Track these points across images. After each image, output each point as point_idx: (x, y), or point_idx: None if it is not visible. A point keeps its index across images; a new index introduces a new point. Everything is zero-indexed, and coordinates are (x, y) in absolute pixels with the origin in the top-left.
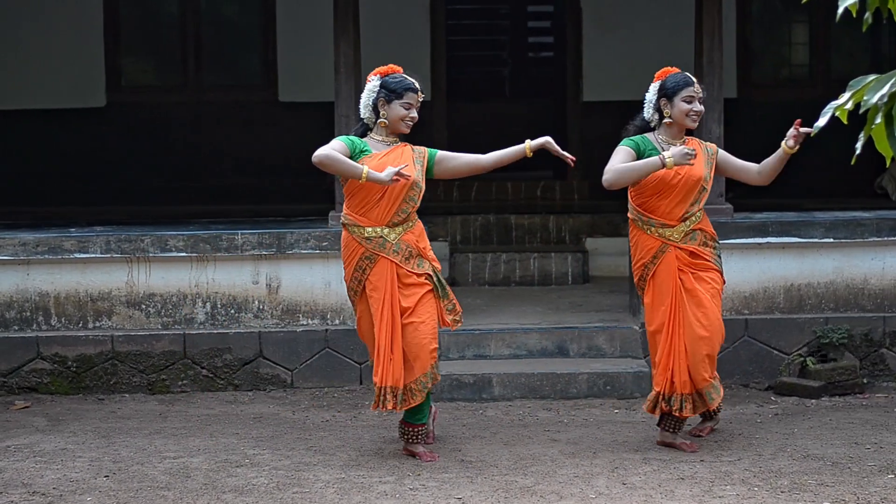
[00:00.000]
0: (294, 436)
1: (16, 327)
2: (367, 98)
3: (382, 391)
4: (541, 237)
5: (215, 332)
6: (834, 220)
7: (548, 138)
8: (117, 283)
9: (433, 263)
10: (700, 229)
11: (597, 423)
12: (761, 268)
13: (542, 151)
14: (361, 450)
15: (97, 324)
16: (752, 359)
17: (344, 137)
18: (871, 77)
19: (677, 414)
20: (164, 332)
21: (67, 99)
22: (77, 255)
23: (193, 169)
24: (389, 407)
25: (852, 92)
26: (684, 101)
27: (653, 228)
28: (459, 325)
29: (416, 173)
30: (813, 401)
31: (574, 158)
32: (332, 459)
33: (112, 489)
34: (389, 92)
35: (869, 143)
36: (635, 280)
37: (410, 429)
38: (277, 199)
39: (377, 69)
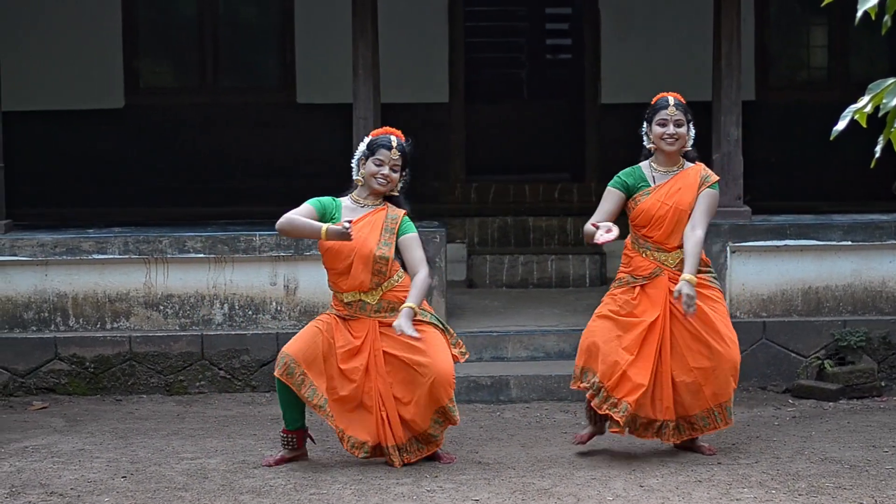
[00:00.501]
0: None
1: (34, 328)
2: (355, 157)
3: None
4: (558, 239)
5: (233, 333)
6: (852, 222)
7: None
8: (135, 284)
9: (428, 310)
10: None
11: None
12: (779, 270)
13: (558, 153)
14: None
15: (115, 325)
16: (769, 361)
17: (314, 200)
18: (891, 80)
19: (619, 428)
20: (182, 334)
21: (85, 101)
22: (95, 256)
23: (211, 170)
24: (397, 464)
25: (871, 95)
26: (658, 124)
27: (648, 252)
28: (467, 356)
29: (381, 245)
30: (831, 404)
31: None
32: (350, 461)
33: (129, 490)
34: (367, 149)
35: (888, 146)
36: (615, 279)
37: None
38: (295, 200)
39: (376, 131)
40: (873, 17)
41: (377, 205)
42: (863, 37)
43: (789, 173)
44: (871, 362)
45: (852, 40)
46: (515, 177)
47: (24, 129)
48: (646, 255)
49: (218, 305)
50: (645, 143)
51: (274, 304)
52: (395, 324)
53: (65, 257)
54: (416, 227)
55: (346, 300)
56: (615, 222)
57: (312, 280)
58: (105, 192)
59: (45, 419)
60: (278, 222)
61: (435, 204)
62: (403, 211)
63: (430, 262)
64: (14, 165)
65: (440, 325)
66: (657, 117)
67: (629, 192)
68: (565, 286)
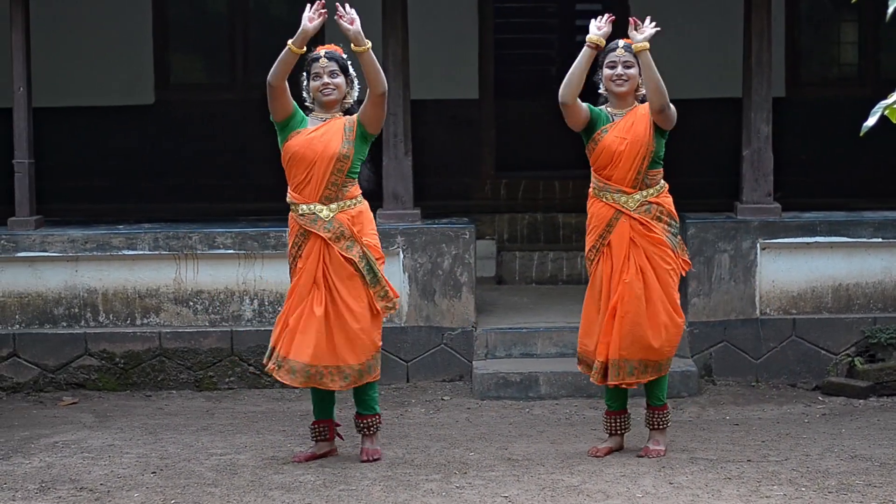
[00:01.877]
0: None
1: (64, 324)
2: (303, 86)
3: (318, 370)
4: None
5: (262, 329)
6: (883, 219)
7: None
8: (165, 280)
9: (367, 249)
10: (657, 203)
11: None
12: (809, 267)
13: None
14: (408, 447)
15: (145, 320)
16: (799, 359)
17: (296, 105)
18: None
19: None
20: (212, 329)
21: (116, 96)
22: (125, 252)
23: (241, 166)
24: (295, 383)
25: None
26: (607, 66)
27: (608, 195)
28: (392, 311)
29: (343, 145)
30: (861, 401)
31: None
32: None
33: (159, 485)
34: (305, 72)
35: None
36: (586, 251)
37: (360, 420)
38: None
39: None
40: None
41: (335, 115)
42: (894, 34)
43: (819, 170)
44: None
45: (883, 37)
46: (545, 173)
47: (54, 125)
48: (605, 198)
49: (248, 301)
50: (599, 89)
51: None
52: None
53: (95, 253)
54: (445, 224)
55: (300, 211)
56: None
57: None
58: (135, 188)
59: (74, 415)
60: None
61: (465, 200)
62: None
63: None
64: (44, 161)
65: (366, 275)
66: (607, 59)
67: (592, 120)
68: None
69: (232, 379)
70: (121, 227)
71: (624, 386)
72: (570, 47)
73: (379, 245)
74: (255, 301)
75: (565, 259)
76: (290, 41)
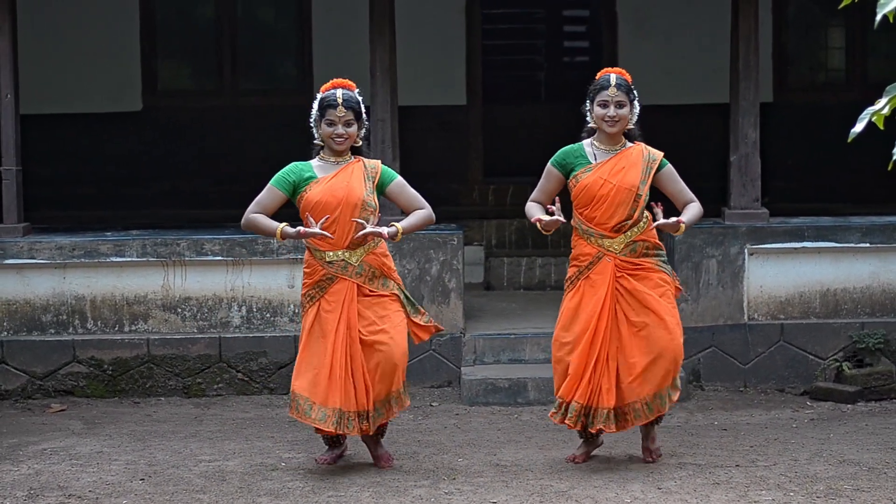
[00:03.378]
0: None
1: (52, 330)
2: (312, 119)
3: (345, 416)
4: None
5: (251, 335)
6: (870, 224)
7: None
8: (153, 287)
9: (397, 282)
10: (642, 240)
11: (632, 427)
12: (797, 272)
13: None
14: (397, 453)
15: (133, 327)
16: (787, 364)
17: (277, 179)
18: None
19: (600, 428)
20: (200, 336)
21: (104, 103)
22: (113, 259)
23: (229, 173)
24: (354, 432)
25: (889, 97)
26: (599, 105)
27: (592, 238)
28: (437, 331)
29: (367, 193)
30: (849, 406)
31: None
32: (368, 463)
33: (147, 492)
34: (318, 110)
35: None
36: (566, 280)
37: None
38: None
39: (324, 85)
40: (892, 21)
41: (349, 160)
42: (881, 39)
43: (807, 175)
44: (890, 364)
45: (870, 42)
46: (533, 178)
47: (42, 132)
48: (590, 241)
49: (235, 308)
50: (587, 121)
51: (291, 306)
52: (370, 222)
53: (83, 260)
54: (433, 230)
55: (327, 259)
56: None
57: None
58: (123, 195)
59: (63, 422)
60: (242, 221)
61: (453, 206)
62: (379, 161)
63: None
64: (32, 168)
65: (403, 301)
66: (598, 98)
67: (566, 170)
68: None
69: (220, 385)
70: (109, 233)
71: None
72: (557, 53)
73: (400, 280)
74: (244, 308)
75: (553, 265)
76: (280, 229)
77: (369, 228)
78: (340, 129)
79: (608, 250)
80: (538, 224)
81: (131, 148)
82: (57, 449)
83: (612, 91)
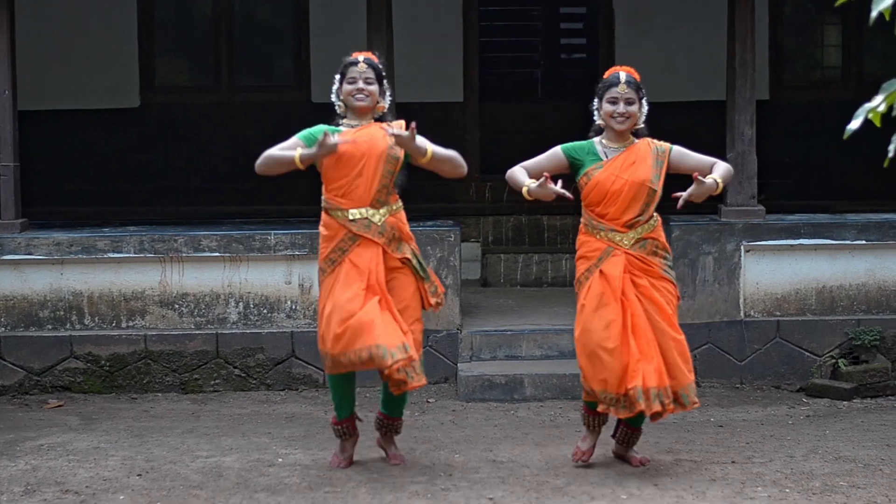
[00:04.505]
0: (326, 435)
1: (49, 326)
2: (334, 90)
3: (384, 350)
4: (573, 238)
5: (248, 331)
6: (866, 221)
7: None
8: (150, 283)
9: (412, 245)
10: (652, 238)
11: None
12: (793, 269)
13: None
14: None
15: (130, 323)
16: (783, 360)
17: (303, 133)
18: None
19: (647, 411)
20: (197, 332)
21: (101, 100)
22: (111, 255)
23: (226, 169)
24: (397, 368)
25: (885, 94)
26: (608, 102)
27: (602, 233)
28: (441, 307)
29: (390, 146)
30: (845, 402)
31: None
32: (364, 459)
33: (145, 488)
34: (340, 76)
35: None
36: (575, 280)
37: (390, 422)
38: (310, 199)
39: None
40: (888, 18)
41: (369, 122)
42: (877, 36)
43: (803, 172)
44: (885, 361)
45: (866, 40)
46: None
47: (39, 128)
48: (599, 236)
49: (233, 304)
50: (595, 119)
51: (289, 302)
52: (395, 131)
53: (80, 256)
54: (430, 226)
55: (351, 216)
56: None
57: None
58: (120, 191)
59: (60, 417)
60: (258, 161)
61: (449, 203)
62: (402, 121)
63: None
64: (30, 164)
65: (415, 268)
66: (608, 95)
67: (576, 163)
68: None
69: (217, 381)
70: (106, 229)
71: (664, 413)
72: (554, 50)
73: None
74: (241, 304)
75: (550, 261)
76: (299, 154)
77: (405, 132)
78: (361, 84)
79: (618, 245)
80: (524, 189)
81: (129, 144)
82: (54, 444)
83: (621, 88)
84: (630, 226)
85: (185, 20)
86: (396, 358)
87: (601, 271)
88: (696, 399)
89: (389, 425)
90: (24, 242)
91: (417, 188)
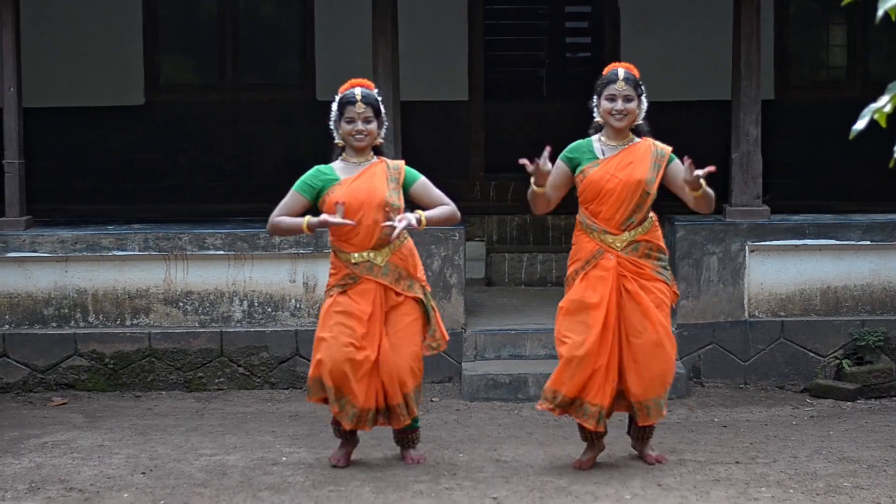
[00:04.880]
0: (330, 434)
1: (54, 324)
2: (332, 120)
3: (365, 413)
4: None
5: (252, 330)
6: (871, 222)
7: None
8: (155, 281)
9: (423, 284)
10: (645, 240)
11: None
12: (798, 270)
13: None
14: (397, 448)
15: (135, 321)
16: (787, 361)
17: (299, 184)
18: None
19: (587, 425)
20: (202, 330)
21: (106, 97)
22: (115, 253)
23: (231, 167)
24: (368, 428)
25: (891, 95)
26: (606, 99)
27: (595, 233)
28: (437, 351)
29: (391, 193)
30: (849, 403)
31: None
32: (368, 458)
33: (149, 486)
34: (337, 110)
35: None
36: (566, 277)
37: (404, 436)
38: None
39: (341, 87)
40: (893, 18)
41: (371, 160)
42: (882, 36)
43: (808, 173)
44: (890, 362)
45: (872, 40)
46: None
47: (44, 125)
48: (592, 236)
49: (237, 302)
50: (595, 117)
51: (293, 301)
52: (397, 219)
53: (85, 254)
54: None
55: (353, 261)
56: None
57: None
58: (125, 189)
59: (64, 415)
60: (268, 226)
61: (454, 202)
62: (402, 161)
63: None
64: (34, 162)
65: (425, 309)
66: (606, 91)
67: (573, 165)
68: None
69: (221, 380)
70: (111, 227)
71: (649, 424)
72: (559, 49)
73: (425, 278)
74: (245, 302)
75: (554, 261)
76: (305, 222)
77: (398, 228)
78: (360, 126)
79: (610, 247)
80: (531, 189)
81: (133, 142)
82: (58, 442)
83: (619, 85)
84: (623, 227)
85: (190, 18)
86: (353, 424)
87: (587, 275)
88: (664, 412)
89: (404, 439)
90: (29, 240)
91: None
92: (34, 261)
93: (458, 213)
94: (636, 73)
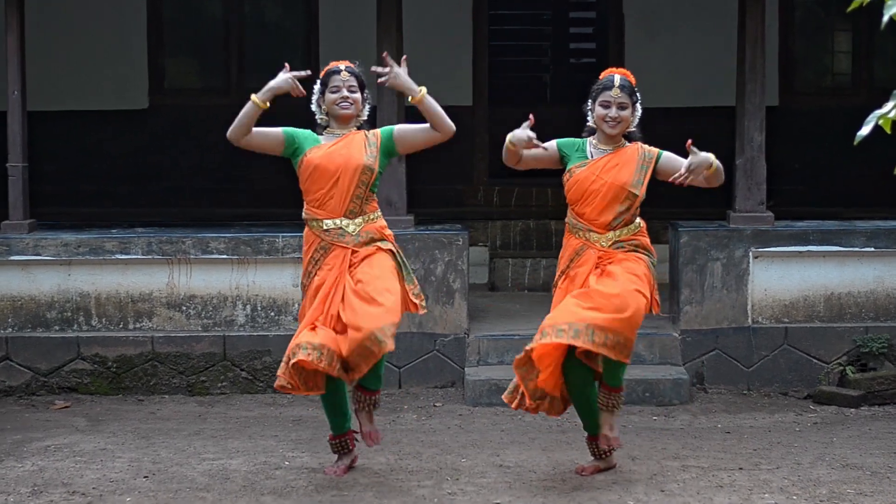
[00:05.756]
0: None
1: (57, 327)
2: (314, 100)
3: (324, 350)
4: None
5: (255, 334)
6: (875, 228)
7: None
8: (158, 285)
9: (393, 244)
10: (630, 240)
11: (635, 429)
12: (801, 276)
13: None
14: (400, 453)
15: (138, 325)
16: (791, 367)
17: (286, 128)
18: None
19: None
20: (205, 334)
21: (110, 101)
22: (118, 257)
23: (235, 171)
24: (336, 374)
25: None
26: (601, 105)
27: (581, 232)
28: (424, 311)
29: (367, 157)
30: (852, 410)
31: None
32: (371, 462)
33: (151, 490)
34: (321, 85)
35: None
36: (554, 281)
37: (367, 396)
38: None
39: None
40: None
41: (351, 130)
42: (887, 42)
43: (813, 179)
44: (893, 369)
45: (877, 46)
46: (538, 180)
47: (48, 128)
48: (578, 235)
49: (240, 306)
50: (588, 120)
51: (296, 305)
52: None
53: (88, 257)
54: (438, 230)
55: (324, 227)
56: (654, 234)
57: None
58: (128, 193)
59: (67, 418)
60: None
61: (458, 207)
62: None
63: None
64: (38, 165)
65: (402, 267)
66: (601, 98)
67: (564, 158)
68: None
69: (224, 384)
70: (114, 231)
71: (593, 350)
72: (563, 55)
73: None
74: (248, 306)
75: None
76: (254, 95)
77: (386, 72)
78: (345, 92)
79: (594, 244)
80: (508, 138)
81: (137, 145)
82: (61, 446)
83: (615, 92)
84: (609, 227)
85: (195, 22)
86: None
87: (569, 276)
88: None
89: (366, 400)
90: (32, 243)
91: (425, 192)
92: (37, 264)
93: (453, 125)
94: (632, 79)
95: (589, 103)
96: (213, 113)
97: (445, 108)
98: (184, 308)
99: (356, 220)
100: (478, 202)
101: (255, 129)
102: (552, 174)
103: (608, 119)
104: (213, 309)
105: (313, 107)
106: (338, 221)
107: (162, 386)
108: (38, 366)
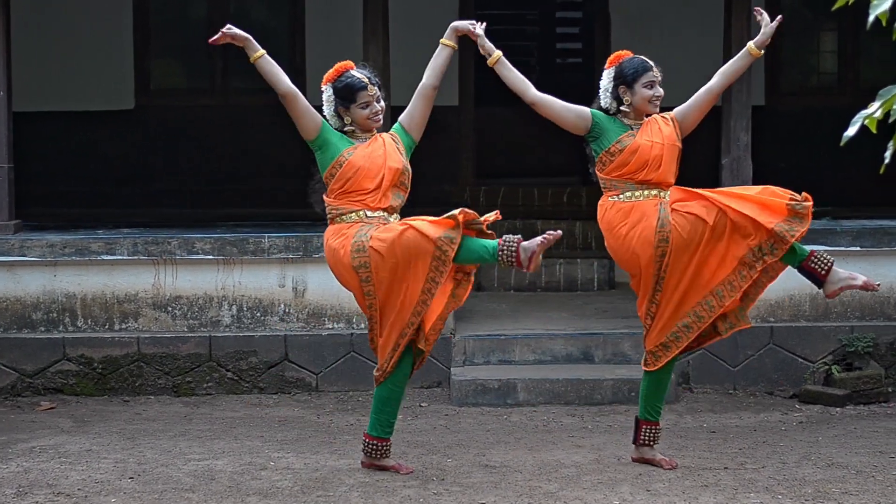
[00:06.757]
0: (319, 439)
1: (42, 328)
2: (328, 108)
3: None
4: (567, 243)
5: (241, 335)
6: (861, 228)
7: (466, 26)
8: (144, 286)
9: None
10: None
11: (621, 429)
12: (787, 275)
13: (567, 157)
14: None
15: (123, 326)
16: (777, 366)
17: (323, 118)
18: None
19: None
20: (190, 335)
21: (96, 101)
22: (104, 257)
23: (221, 172)
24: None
25: (882, 101)
26: (645, 87)
27: (646, 191)
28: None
29: (404, 160)
30: (838, 409)
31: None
32: (357, 463)
33: (136, 491)
34: (342, 99)
35: None
36: (650, 258)
37: (376, 443)
38: (304, 202)
39: (326, 75)
40: (884, 23)
41: (374, 134)
42: (873, 42)
43: (799, 179)
44: (879, 368)
45: (863, 46)
46: (524, 180)
47: (34, 129)
48: (649, 198)
49: (226, 307)
50: (609, 104)
51: (282, 305)
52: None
53: (74, 258)
54: None
55: (368, 215)
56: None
57: (321, 282)
58: (114, 194)
59: (52, 420)
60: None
61: (444, 207)
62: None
63: None
64: (24, 166)
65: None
66: (643, 79)
67: (597, 130)
68: (573, 290)
69: (210, 384)
70: (100, 232)
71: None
72: (549, 55)
73: None
74: (234, 307)
75: (544, 266)
76: (443, 39)
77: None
78: (377, 107)
79: (665, 199)
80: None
81: (123, 146)
82: (46, 447)
83: (656, 71)
84: (673, 182)
85: (180, 22)
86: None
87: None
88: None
89: (380, 447)
90: (18, 244)
91: (412, 192)
92: (23, 265)
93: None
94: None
95: (621, 90)
96: (200, 113)
97: (432, 109)
98: (169, 309)
99: (392, 217)
100: (464, 202)
101: (303, 98)
102: (538, 175)
103: (654, 99)
104: (198, 309)
105: (327, 113)
106: (379, 213)
107: (147, 387)
108: (23, 367)
